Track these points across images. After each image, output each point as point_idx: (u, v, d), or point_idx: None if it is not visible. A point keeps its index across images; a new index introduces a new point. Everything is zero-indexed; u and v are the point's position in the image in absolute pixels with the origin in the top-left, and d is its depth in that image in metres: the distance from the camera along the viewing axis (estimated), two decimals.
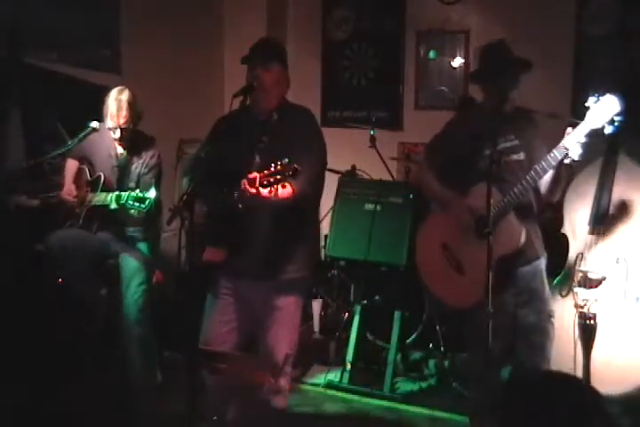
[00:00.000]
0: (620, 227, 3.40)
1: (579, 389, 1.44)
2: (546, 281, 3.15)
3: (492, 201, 2.77)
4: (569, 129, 2.86)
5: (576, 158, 2.85)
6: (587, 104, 2.83)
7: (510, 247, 2.93)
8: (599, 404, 1.41)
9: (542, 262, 3.13)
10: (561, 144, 2.85)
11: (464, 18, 5.35)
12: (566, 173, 3.02)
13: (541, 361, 3.07)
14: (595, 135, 2.87)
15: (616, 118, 2.83)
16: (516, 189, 2.92)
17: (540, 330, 3.08)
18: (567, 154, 2.83)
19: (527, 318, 3.06)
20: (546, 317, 3.11)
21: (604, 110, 2.79)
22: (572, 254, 3.47)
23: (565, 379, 1.51)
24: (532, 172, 2.90)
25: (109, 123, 3.51)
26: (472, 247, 2.97)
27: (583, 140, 2.81)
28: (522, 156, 3.04)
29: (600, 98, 2.80)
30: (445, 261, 3.12)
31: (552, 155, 2.86)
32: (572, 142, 2.81)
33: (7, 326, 3.45)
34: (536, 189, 3.03)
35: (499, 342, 2.83)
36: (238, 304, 2.95)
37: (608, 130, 2.85)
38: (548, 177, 2.98)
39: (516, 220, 2.96)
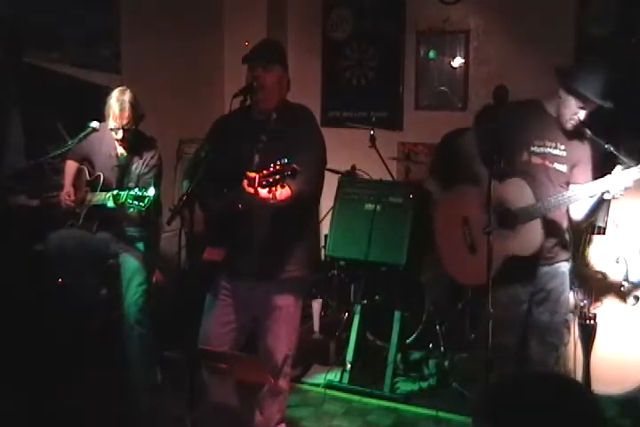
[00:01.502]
0: (619, 227, 3.40)
1: (578, 392, 1.42)
2: (567, 285, 3.15)
3: (521, 199, 2.83)
4: (618, 167, 2.84)
5: (616, 196, 2.87)
6: None
7: (521, 251, 2.95)
8: (598, 410, 1.38)
9: (563, 266, 3.13)
10: (606, 180, 2.84)
11: (464, 18, 5.34)
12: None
13: (552, 362, 3.07)
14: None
15: None
16: (549, 201, 2.91)
17: (553, 330, 3.09)
18: (608, 191, 2.84)
19: (541, 317, 3.07)
20: (561, 319, 3.11)
21: None
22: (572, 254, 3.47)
23: (564, 382, 1.48)
24: (569, 193, 2.91)
25: (112, 123, 3.51)
26: None
27: (630, 185, 2.81)
28: (564, 168, 3.03)
29: None
30: (462, 234, 3.11)
31: (594, 186, 2.86)
32: (618, 185, 2.81)
33: (7, 326, 3.45)
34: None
35: (508, 336, 2.83)
36: (238, 305, 2.94)
37: None
38: (587, 204, 2.99)
39: (540, 226, 2.95)
